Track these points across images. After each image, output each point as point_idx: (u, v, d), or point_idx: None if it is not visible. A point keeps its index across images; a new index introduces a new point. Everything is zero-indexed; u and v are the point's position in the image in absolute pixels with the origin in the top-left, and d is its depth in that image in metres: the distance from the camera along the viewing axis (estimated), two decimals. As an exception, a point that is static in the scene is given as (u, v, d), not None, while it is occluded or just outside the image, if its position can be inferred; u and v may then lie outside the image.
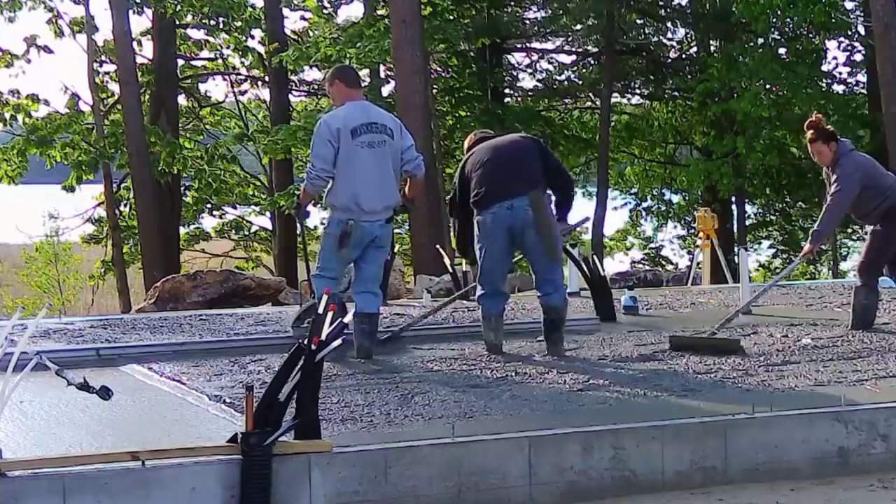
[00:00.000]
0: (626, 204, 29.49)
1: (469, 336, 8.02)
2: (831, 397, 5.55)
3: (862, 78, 24.22)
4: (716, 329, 7.74)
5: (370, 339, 7.14)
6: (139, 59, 22.93)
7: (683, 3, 25.26)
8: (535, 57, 26.63)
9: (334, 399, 5.70)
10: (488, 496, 4.70)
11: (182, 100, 25.57)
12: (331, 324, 4.66)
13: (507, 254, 7.19)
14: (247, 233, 27.41)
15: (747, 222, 26.35)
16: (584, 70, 26.49)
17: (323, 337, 4.62)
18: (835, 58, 29.10)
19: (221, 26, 24.71)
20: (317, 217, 27.66)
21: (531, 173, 7.07)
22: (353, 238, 6.95)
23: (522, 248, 7.13)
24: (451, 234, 7.47)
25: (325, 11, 25.20)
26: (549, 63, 26.61)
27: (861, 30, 22.44)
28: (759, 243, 28.33)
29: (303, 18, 26.47)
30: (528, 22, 25.82)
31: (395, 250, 12.68)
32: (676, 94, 25.98)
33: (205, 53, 25.71)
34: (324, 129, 6.96)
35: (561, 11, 24.38)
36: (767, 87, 22.02)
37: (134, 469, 4.31)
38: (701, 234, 14.84)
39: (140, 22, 24.05)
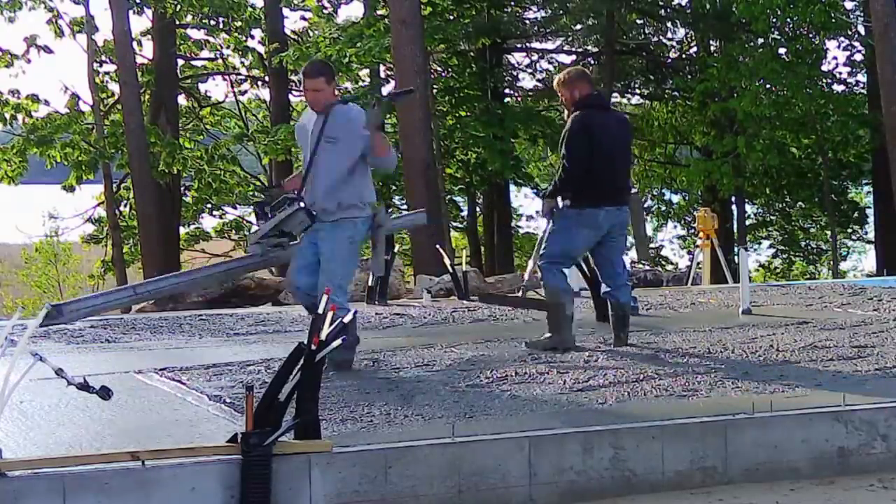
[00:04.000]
0: (626, 204, 29.50)
1: (470, 337, 8.03)
2: (831, 397, 5.55)
3: (862, 78, 24.24)
4: None
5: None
6: (139, 59, 22.95)
7: (683, 3, 25.27)
8: (535, 57, 26.67)
9: (334, 399, 5.70)
10: (488, 496, 4.70)
11: (182, 100, 25.60)
12: (331, 324, 4.66)
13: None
14: (247, 233, 27.41)
15: (747, 222, 26.37)
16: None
17: (323, 337, 4.62)
18: (835, 58, 29.24)
19: (221, 26, 24.73)
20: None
21: (630, 175, 7.74)
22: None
23: (608, 246, 7.47)
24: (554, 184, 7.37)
25: (325, 11, 25.23)
26: (549, 63, 26.65)
27: (861, 30, 22.46)
28: (759, 243, 28.36)
29: (303, 18, 26.58)
30: (528, 22, 25.84)
31: (395, 250, 12.70)
32: (676, 94, 26.00)
33: (205, 53, 25.75)
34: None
35: (561, 11, 24.40)
36: (767, 86, 22.03)
37: (134, 469, 4.31)
38: (701, 234, 14.84)
39: (140, 22, 24.11)
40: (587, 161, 7.22)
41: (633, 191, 8.17)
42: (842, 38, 23.62)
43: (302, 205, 6.45)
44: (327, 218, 6.49)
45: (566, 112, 7.75)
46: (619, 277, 7.53)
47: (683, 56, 26.55)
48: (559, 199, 7.33)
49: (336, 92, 6.73)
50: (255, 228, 6.74)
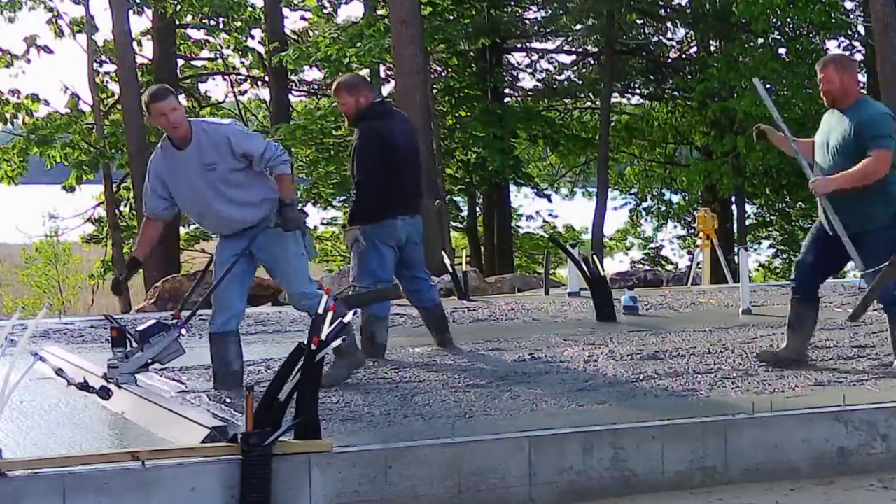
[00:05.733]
0: (626, 204, 29.50)
1: (470, 337, 8.03)
2: (831, 397, 5.55)
3: (862, 78, 24.21)
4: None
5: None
6: (139, 59, 22.94)
7: (683, 3, 25.25)
8: (535, 57, 26.61)
9: (334, 399, 5.70)
10: (488, 496, 4.70)
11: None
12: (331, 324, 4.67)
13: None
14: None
15: (747, 222, 26.34)
16: (584, 70, 26.48)
17: (323, 337, 4.62)
18: (835, 58, 29.05)
19: (221, 26, 24.72)
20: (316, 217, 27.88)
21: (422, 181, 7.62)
22: None
23: (406, 255, 7.34)
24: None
25: (325, 11, 25.23)
26: (549, 63, 26.60)
27: (861, 30, 22.44)
28: (759, 243, 28.32)
29: (303, 18, 26.55)
30: (528, 22, 25.80)
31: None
32: (676, 94, 25.96)
33: (205, 53, 25.74)
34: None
35: (561, 11, 24.35)
36: (768, 86, 22.01)
37: (134, 469, 4.31)
38: (701, 234, 14.83)
39: (140, 22, 24.10)
40: (380, 173, 7.05)
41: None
42: (842, 38, 23.61)
43: (183, 332, 6.11)
44: (266, 223, 6.18)
45: (347, 121, 7.51)
46: (425, 282, 7.57)
47: (683, 56, 26.52)
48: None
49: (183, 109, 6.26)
50: (117, 353, 5.90)
